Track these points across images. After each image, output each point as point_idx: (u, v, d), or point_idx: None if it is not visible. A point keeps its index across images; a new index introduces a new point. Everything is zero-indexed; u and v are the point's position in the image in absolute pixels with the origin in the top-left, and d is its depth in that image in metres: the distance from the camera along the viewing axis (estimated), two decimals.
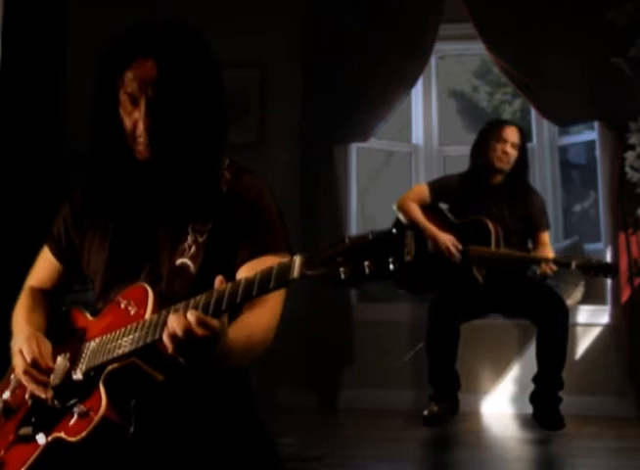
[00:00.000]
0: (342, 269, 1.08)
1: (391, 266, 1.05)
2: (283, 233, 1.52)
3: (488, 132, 3.75)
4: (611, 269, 3.41)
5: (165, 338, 1.23)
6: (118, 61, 1.46)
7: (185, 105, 1.46)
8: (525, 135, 3.80)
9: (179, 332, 1.21)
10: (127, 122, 1.47)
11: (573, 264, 3.46)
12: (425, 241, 1.02)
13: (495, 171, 3.69)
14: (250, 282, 1.21)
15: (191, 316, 1.21)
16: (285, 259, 1.17)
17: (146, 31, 1.48)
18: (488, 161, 3.69)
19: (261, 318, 1.43)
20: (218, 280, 1.26)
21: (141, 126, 1.45)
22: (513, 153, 3.67)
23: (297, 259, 1.15)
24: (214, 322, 1.22)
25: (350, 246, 1.09)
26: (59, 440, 1.33)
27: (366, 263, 1.06)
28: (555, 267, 3.46)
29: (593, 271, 3.42)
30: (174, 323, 1.22)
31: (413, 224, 1.04)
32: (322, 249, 1.12)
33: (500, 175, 3.71)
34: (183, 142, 1.48)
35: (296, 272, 1.14)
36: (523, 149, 3.72)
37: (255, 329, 1.41)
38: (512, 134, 3.69)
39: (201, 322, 1.21)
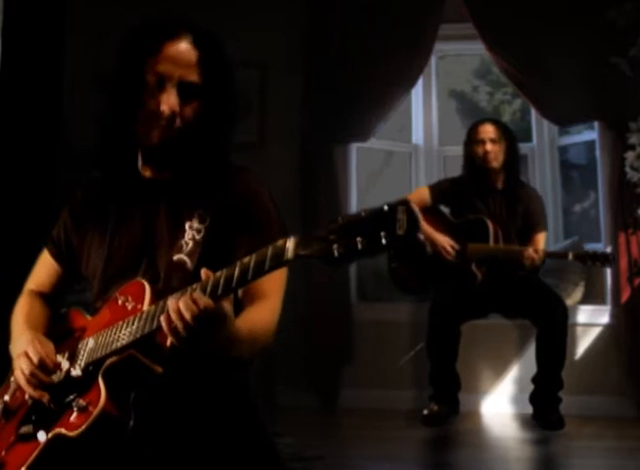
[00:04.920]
0: (335, 246, 1.09)
1: (384, 241, 1.06)
2: (282, 230, 1.52)
3: (467, 138, 3.80)
4: (608, 258, 3.42)
5: (162, 321, 1.24)
6: (151, 41, 1.46)
7: (213, 88, 1.48)
8: (504, 126, 3.79)
9: (172, 313, 1.22)
10: (148, 107, 1.46)
11: (571, 255, 3.47)
12: (416, 216, 1.02)
13: (488, 171, 3.70)
14: (245, 266, 1.21)
15: (181, 297, 1.24)
16: (279, 241, 1.18)
17: (176, 17, 1.50)
18: (476, 165, 3.70)
19: (263, 314, 1.45)
20: (204, 272, 1.27)
21: (165, 108, 1.44)
22: (495, 148, 3.67)
23: (291, 240, 1.16)
24: (204, 300, 1.22)
25: (343, 224, 1.10)
26: (59, 436, 1.33)
27: (358, 239, 1.07)
28: (541, 254, 3.45)
29: (591, 261, 3.43)
30: (168, 306, 1.24)
31: (404, 201, 1.04)
32: (315, 230, 1.13)
33: (495, 174, 3.71)
34: (203, 131, 1.48)
35: (290, 252, 1.15)
36: (506, 139, 3.70)
37: (258, 323, 1.42)
38: (485, 131, 3.70)
39: (192, 300, 1.22)
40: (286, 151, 4.34)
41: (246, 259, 1.22)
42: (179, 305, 1.22)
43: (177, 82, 1.45)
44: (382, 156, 5.50)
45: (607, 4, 3.91)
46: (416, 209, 1.09)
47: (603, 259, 3.43)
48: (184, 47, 1.45)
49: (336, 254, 1.09)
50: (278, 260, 1.17)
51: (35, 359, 1.44)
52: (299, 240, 1.14)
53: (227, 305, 1.28)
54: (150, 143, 1.48)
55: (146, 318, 1.33)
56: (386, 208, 1.08)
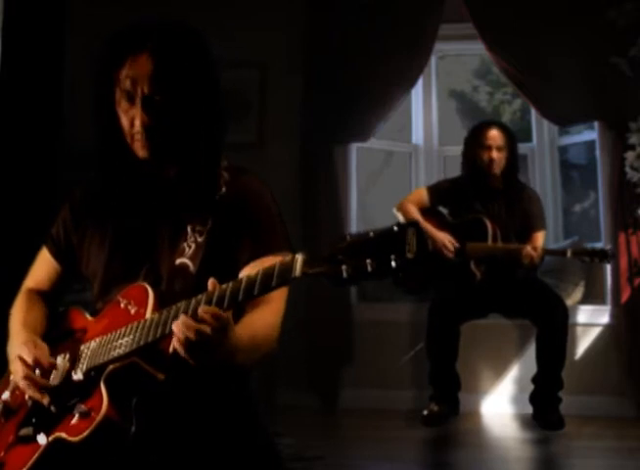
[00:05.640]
0: (343, 267, 1.08)
1: (393, 263, 1.05)
2: (284, 233, 1.51)
3: (472, 139, 3.76)
4: (607, 254, 3.43)
5: (176, 344, 1.23)
6: (113, 59, 1.45)
7: (181, 99, 1.45)
8: (509, 132, 3.76)
9: (190, 334, 1.21)
10: (124, 121, 1.47)
11: (569, 252, 3.48)
12: (426, 238, 1.02)
13: (488, 176, 3.70)
14: (251, 281, 1.21)
15: (203, 313, 1.22)
16: (287, 258, 1.17)
17: (139, 28, 1.48)
18: (478, 169, 3.70)
19: (265, 319, 1.43)
20: (211, 283, 1.27)
21: (137, 124, 1.44)
22: (500, 156, 3.67)
23: (299, 258, 1.15)
24: (223, 313, 1.22)
25: (352, 244, 1.09)
26: (60, 440, 1.33)
27: (368, 261, 1.07)
28: (539, 252, 3.45)
29: (589, 257, 3.44)
30: (184, 326, 1.22)
31: (414, 222, 1.04)
32: (324, 247, 1.13)
33: (494, 177, 3.71)
34: (180, 139, 1.47)
35: (298, 271, 1.15)
36: (510, 146, 3.70)
37: (260, 329, 1.41)
38: (493, 137, 3.68)
39: (213, 315, 1.21)
40: (286, 151, 4.34)
41: (253, 274, 1.21)
42: (191, 322, 1.22)
43: (142, 96, 1.44)
44: (382, 156, 5.50)
45: (607, 4, 3.91)
46: (425, 231, 1.08)
47: (601, 256, 3.44)
48: (142, 61, 1.43)
49: (344, 274, 1.08)
50: (285, 278, 1.17)
51: (30, 361, 1.44)
52: (307, 258, 1.14)
53: (228, 315, 1.27)
54: (139, 157, 1.48)
55: (149, 326, 1.32)
56: (395, 228, 1.07)
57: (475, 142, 3.74)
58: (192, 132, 1.48)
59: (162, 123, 1.44)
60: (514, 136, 3.77)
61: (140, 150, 1.47)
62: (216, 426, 1.44)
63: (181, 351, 1.23)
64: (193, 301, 1.27)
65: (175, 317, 1.27)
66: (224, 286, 1.24)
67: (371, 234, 1.09)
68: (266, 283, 1.19)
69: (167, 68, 1.43)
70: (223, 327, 1.23)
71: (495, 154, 3.66)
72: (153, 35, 1.45)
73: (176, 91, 1.44)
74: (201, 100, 1.47)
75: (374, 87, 4.25)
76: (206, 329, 1.21)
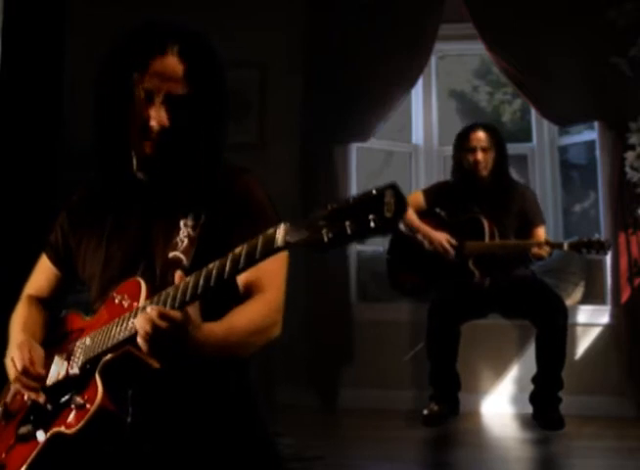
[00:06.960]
0: (324, 231, 1.09)
1: (372, 224, 1.06)
2: (276, 222, 1.52)
3: (457, 144, 3.77)
4: (603, 246, 3.44)
5: (139, 339, 1.27)
6: (133, 60, 1.46)
7: (201, 101, 1.47)
8: (494, 132, 3.76)
9: (148, 328, 1.25)
10: (137, 120, 1.46)
11: (566, 245, 3.50)
12: (404, 198, 1.03)
13: (475, 177, 3.71)
14: (236, 255, 1.23)
15: (152, 311, 1.26)
16: (270, 229, 1.18)
17: (158, 29, 1.49)
18: (465, 172, 3.70)
19: (256, 309, 1.44)
20: (178, 276, 1.30)
21: (154, 123, 1.45)
22: (485, 157, 3.67)
23: (281, 228, 1.17)
24: (176, 314, 1.26)
25: (332, 210, 1.11)
26: (58, 434, 1.34)
27: (347, 223, 1.08)
28: (548, 249, 3.48)
29: (586, 249, 3.45)
30: (141, 322, 1.26)
31: (392, 184, 1.06)
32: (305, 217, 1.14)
33: (482, 178, 3.72)
34: (190, 138, 1.48)
35: (280, 240, 1.16)
36: (497, 146, 3.70)
37: (239, 321, 1.41)
38: (477, 139, 3.69)
39: (161, 316, 1.25)
40: (286, 151, 4.35)
41: (237, 250, 1.23)
42: (150, 316, 1.25)
43: (165, 96, 1.45)
44: (382, 156, 5.49)
45: (607, 4, 3.91)
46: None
47: (598, 247, 3.45)
48: (170, 61, 1.45)
49: (325, 239, 1.09)
50: (268, 248, 1.18)
51: (19, 366, 1.45)
52: (289, 227, 1.15)
53: (192, 311, 1.29)
54: (143, 155, 1.48)
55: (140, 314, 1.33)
56: (374, 192, 1.08)
57: (460, 146, 3.75)
58: (199, 131, 1.49)
59: (181, 123, 1.46)
60: (500, 136, 3.78)
61: (148, 147, 1.47)
62: (214, 417, 1.44)
63: (143, 346, 1.26)
64: (162, 294, 1.30)
65: (165, 303, 1.29)
66: (211, 265, 1.26)
67: (350, 199, 1.10)
68: (251, 256, 1.20)
69: (193, 68, 1.45)
70: (177, 326, 1.26)
71: (480, 155, 3.66)
72: (174, 37, 1.47)
73: (200, 88, 1.46)
74: (217, 102, 1.50)
75: (374, 87, 4.25)
76: (160, 324, 1.24)
